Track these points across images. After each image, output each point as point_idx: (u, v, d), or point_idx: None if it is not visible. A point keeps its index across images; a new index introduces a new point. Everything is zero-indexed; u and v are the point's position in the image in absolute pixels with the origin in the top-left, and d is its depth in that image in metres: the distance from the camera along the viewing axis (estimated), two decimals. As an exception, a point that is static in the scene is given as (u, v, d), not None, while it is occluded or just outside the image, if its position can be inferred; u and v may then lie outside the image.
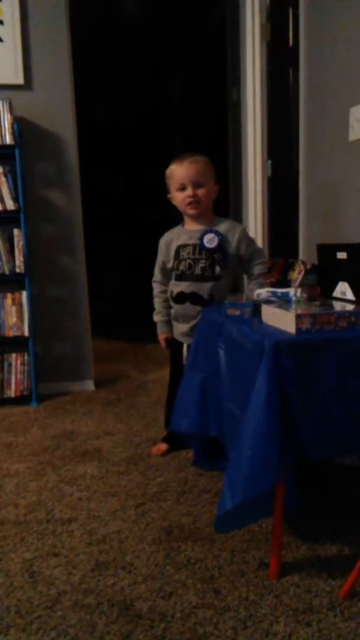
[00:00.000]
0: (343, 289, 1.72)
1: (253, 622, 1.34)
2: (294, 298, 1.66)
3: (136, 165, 6.84)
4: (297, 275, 1.84)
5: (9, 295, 3.03)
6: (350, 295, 1.69)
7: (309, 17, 2.72)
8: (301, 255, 2.89)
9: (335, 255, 1.74)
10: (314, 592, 1.44)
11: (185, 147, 6.00)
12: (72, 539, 1.72)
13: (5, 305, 3.04)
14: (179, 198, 2.18)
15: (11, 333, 3.05)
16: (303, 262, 1.87)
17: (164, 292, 2.32)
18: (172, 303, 2.28)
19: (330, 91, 2.54)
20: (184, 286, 2.20)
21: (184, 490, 2.01)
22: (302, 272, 1.83)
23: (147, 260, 2.65)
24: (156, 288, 2.36)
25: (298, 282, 1.82)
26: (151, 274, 2.37)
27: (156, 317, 2.36)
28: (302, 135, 2.84)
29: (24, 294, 3.03)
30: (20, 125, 3.00)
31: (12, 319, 3.04)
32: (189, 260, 2.18)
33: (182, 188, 2.16)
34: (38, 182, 3.15)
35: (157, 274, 2.34)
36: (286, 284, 1.86)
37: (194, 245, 2.18)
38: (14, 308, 3.04)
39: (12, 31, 2.98)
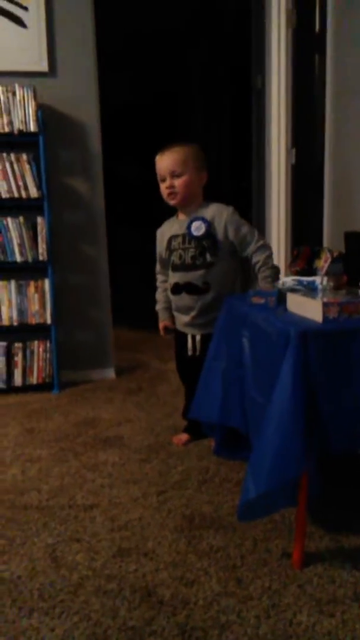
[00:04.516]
0: (370, 278, 1.70)
1: (276, 612, 1.33)
2: (320, 286, 1.64)
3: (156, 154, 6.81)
4: (323, 263, 1.82)
5: (32, 283, 3.04)
6: (377, 284, 1.67)
7: (336, 2, 2.67)
8: (325, 243, 2.85)
9: (363, 243, 1.71)
10: (337, 582, 1.43)
11: (206, 135, 5.95)
12: (94, 525, 1.73)
13: (28, 293, 3.05)
14: (161, 190, 2.19)
15: (34, 320, 3.07)
16: (329, 250, 1.84)
17: (165, 281, 2.32)
18: (170, 295, 2.27)
19: (357, 78, 2.49)
20: (177, 277, 2.20)
21: (205, 479, 2.01)
22: (329, 260, 1.81)
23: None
24: (158, 279, 2.38)
25: (324, 270, 1.80)
26: None
27: (157, 306, 2.38)
28: (328, 123, 2.80)
29: (47, 281, 3.04)
30: (44, 112, 2.99)
31: (35, 306, 3.06)
32: (179, 251, 2.18)
33: (163, 180, 2.16)
34: (62, 170, 3.14)
35: (158, 265, 2.36)
36: (312, 272, 1.84)
37: (183, 235, 2.18)
38: (36, 296, 3.05)
39: (36, 18, 2.97)
